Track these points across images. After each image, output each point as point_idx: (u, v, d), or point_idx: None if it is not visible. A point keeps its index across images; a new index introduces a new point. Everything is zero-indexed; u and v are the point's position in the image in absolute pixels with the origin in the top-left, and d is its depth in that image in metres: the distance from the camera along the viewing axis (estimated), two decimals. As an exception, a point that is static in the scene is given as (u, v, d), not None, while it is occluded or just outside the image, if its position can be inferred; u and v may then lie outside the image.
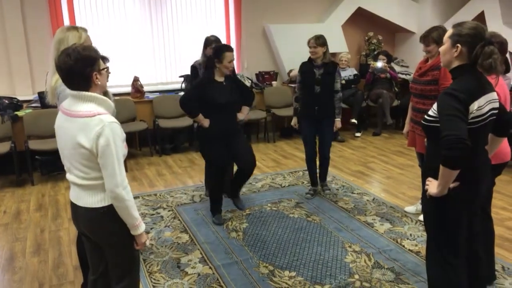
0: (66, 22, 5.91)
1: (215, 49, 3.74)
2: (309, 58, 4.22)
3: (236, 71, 6.99)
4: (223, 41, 6.89)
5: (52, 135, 5.56)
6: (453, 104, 2.01)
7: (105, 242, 2.07)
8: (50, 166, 5.35)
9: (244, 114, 4.07)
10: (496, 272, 3.01)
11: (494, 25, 6.40)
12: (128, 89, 6.28)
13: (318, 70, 4.15)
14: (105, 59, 2.03)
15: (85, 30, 2.56)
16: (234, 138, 3.88)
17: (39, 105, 5.54)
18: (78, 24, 5.46)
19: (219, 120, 3.76)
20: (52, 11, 5.81)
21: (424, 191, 2.25)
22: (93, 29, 5.83)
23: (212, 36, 4.26)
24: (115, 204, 1.94)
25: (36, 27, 5.84)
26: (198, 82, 3.89)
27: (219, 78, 3.76)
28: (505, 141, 2.78)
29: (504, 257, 3.28)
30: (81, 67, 1.88)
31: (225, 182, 4.11)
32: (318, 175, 4.60)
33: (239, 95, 3.89)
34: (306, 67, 4.23)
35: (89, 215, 1.99)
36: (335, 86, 4.21)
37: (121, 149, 1.94)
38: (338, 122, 4.31)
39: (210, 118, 3.78)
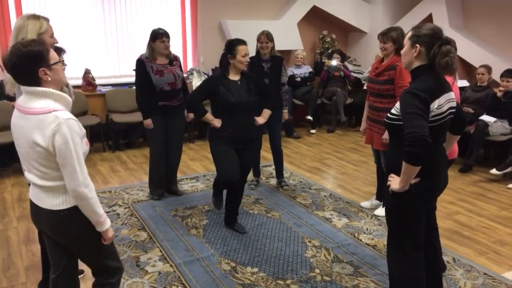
0: (12, 10, 5.59)
1: (227, 44, 3.42)
2: (257, 53, 4.41)
3: (192, 66, 6.96)
4: (179, 35, 6.84)
5: (-3, 130, 5.18)
6: (415, 103, 2.09)
7: (70, 245, 2.01)
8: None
9: (264, 118, 3.62)
10: (447, 264, 3.17)
11: (441, 27, 6.69)
12: (79, 81, 6.03)
13: (266, 64, 4.35)
14: (61, 51, 1.94)
15: (47, 19, 2.43)
16: (248, 147, 3.51)
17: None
18: (25, 12, 5.19)
19: (232, 123, 3.35)
20: (-4, -3, 5.48)
21: (383, 187, 2.32)
22: (42, 18, 5.55)
23: (161, 29, 3.95)
24: (78, 203, 1.87)
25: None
26: (209, 79, 3.52)
27: (234, 77, 3.39)
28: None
29: (454, 250, 3.45)
30: (24, 65, 1.77)
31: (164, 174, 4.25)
32: (275, 170, 4.72)
33: (257, 95, 3.49)
34: (255, 60, 4.35)
35: (50, 218, 1.91)
36: (282, 79, 4.42)
37: (81, 146, 1.85)
38: (285, 114, 4.54)
39: (222, 121, 3.39)
